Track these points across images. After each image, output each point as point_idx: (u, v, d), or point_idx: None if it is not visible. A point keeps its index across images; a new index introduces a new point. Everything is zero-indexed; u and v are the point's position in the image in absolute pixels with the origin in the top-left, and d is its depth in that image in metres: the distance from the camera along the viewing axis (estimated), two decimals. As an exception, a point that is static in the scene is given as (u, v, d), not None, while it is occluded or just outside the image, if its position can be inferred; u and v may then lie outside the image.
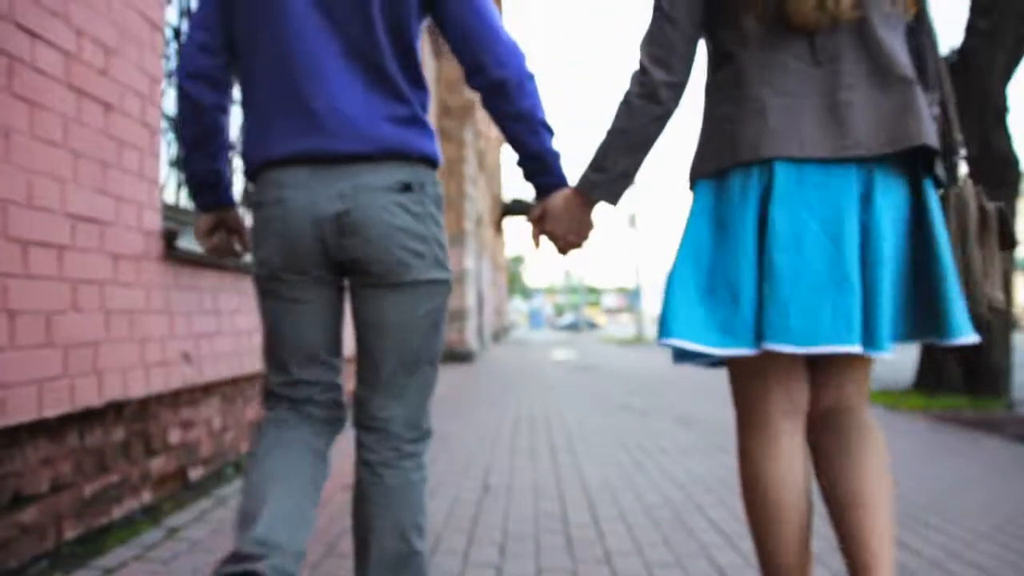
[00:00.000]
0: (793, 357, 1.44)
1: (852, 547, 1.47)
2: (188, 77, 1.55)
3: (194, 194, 1.70)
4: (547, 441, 4.64)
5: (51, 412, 2.27)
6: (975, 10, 6.82)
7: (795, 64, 1.38)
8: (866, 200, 1.35)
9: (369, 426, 1.56)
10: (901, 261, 1.40)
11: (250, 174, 1.56)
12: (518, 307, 74.87)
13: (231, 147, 1.70)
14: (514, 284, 75.28)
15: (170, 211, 3.20)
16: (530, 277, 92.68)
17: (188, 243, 3.06)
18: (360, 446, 1.56)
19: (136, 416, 2.80)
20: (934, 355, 6.94)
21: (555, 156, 1.58)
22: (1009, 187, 6.77)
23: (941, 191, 1.49)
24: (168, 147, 3.29)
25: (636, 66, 1.47)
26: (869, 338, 1.33)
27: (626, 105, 1.47)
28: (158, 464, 2.96)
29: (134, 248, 2.75)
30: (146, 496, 2.86)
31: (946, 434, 4.99)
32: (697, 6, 1.44)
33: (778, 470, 1.45)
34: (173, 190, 3.36)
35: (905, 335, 1.44)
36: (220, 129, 1.63)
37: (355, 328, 1.57)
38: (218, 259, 1.85)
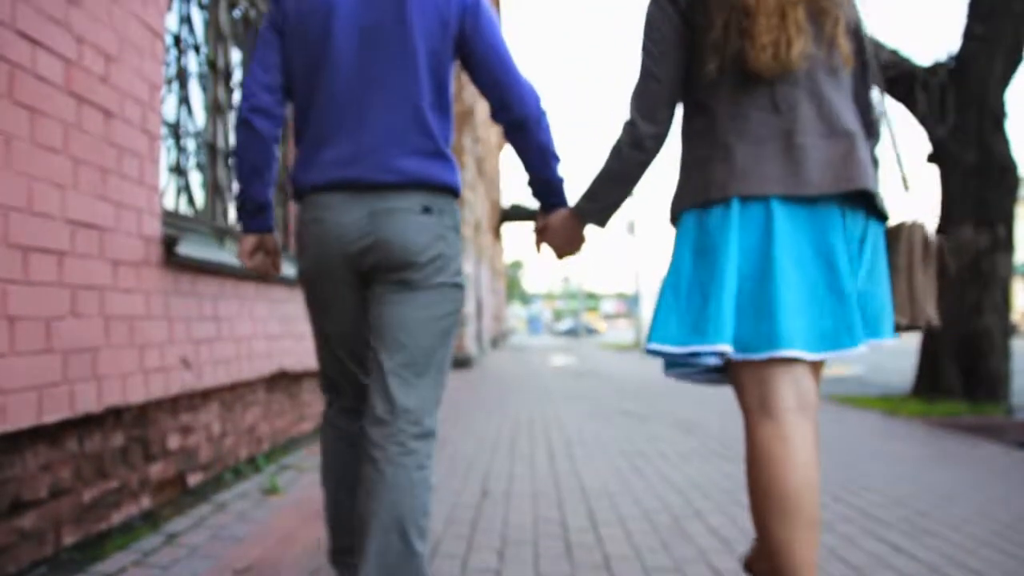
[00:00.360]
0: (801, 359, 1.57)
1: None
2: (251, 111, 1.77)
3: (246, 218, 1.90)
4: (546, 447, 4.64)
5: (51, 418, 2.27)
6: (973, 16, 6.84)
7: (757, 114, 1.59)
8: (839, 230, 1.57)
9: (376, 420, 1.68)
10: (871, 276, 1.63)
11: (298, 196, 1.81)
12: (517, 313, 74.85)
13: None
14: (513, 290, 75.27)
15: (170, 217, 3.21)
16: (529, 283, 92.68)
17: (187, 249, 3.06)
18: (367, 442, 1.69)
19: (135, 422, 2.81)
20: (933, 361, 6.95)
21: (561, 181, 1.90)
22: (1008, 193, 6.78)
23: (892, 224, 1.76)
24: (168, 153, 3.30)
25: (627, 117, 1.69)
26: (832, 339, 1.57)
27: (617, 151, 1.71)
28: (157, 470, 2.96)
29: (134, 254, 2.76)
30: (145, 502, 2.86)
31: (945, 440, 4.99)
32: (677, 66, 1.66)
33: (784, 458, 1.52)
34: (173, 196, 3.37)
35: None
36: (274, 159, 1.86)
37: (372, 330, 1.75)
38: (258, 276, 2.12)
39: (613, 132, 1.74)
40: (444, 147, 1.77)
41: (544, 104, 1.84)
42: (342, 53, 1.70)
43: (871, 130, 1.73)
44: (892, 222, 1.77)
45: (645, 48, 1.68)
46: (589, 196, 1.79)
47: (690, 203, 1.64)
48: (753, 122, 1.59)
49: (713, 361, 1.56)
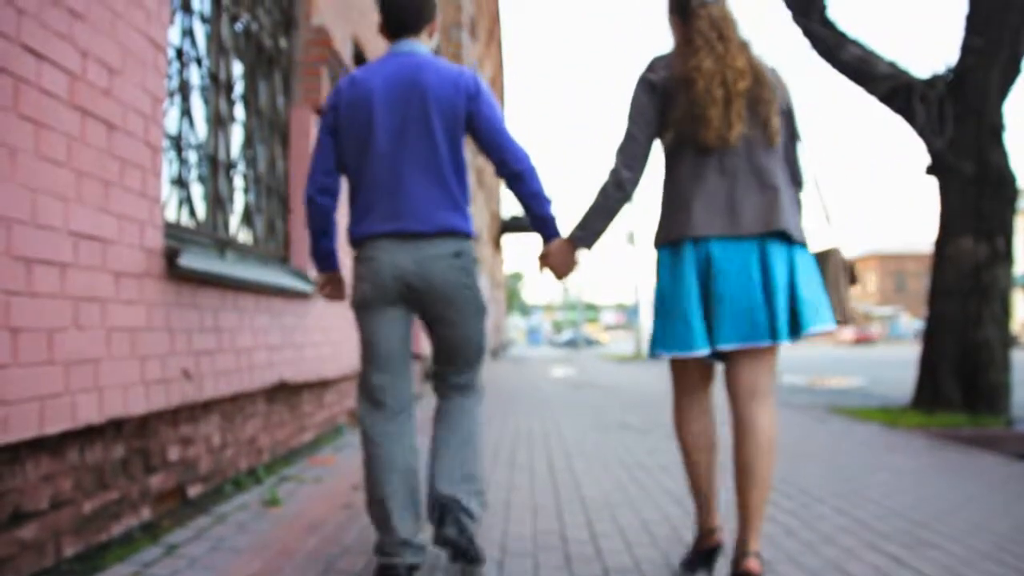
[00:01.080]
0: (701, 357, 2.29)
1: (739, 500, 2.20)
2: (316, 191, 2.42)
3: (318, 262, 2.60)
4: (545, 458, 4.64)
5: (52, 429, 2.28)
6: (970, 29, 6.88)
7: (711, 175, 2.21)
8: (764, 257, 2.17)
9: (451, 385, 2.52)
10: (787, 289, 2.19)
11: (355, 244, 2.39)
12: (516, 324, 74.79)
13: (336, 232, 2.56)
14: (512, 301, 75.24)
15: (172, 229, 3.22)
16: (529, 294, 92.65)
17: (189, 261, 3.08)
18: (449, 398, 2.52)
19: (136, 433, 2.81)
20: (933, 373, 6.95)
21: (554, 218, 2.42)
22: (1006, 204, 6.79)
23: (820, 249, 2.39)
24: (170, 166, 3.32)
25: (612, 166, 2.28)
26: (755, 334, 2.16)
27: (604, 191, 2.29)
28: (157, 481, 2.97)
29: (136, 266, 2.77)
30: (145, 513, 2.86)
31: (945, 451, 4.99)
32: (651, 131, 2.28)
33: (692, 418, 2.40)
34: (174, 208, 3.38)
35: (795, 333, 2.20)
36: (335, 222, 2.50)
37: (431, 338, 2.47)
38: (328, 299, 2.72)
39: (603, 158, 2.38)
40: (463, 203, 2.36)
41: (532, 160, 2.38)
42: (381, 138, 2.30)
43: (796, 179, 2.36)
44: (820, 248, 2.39)
45: (629, 116, 2.29)
46: (581, 227, 2.33)
47: (664, 240, 2.29)
48: (706, 182, 2.21)
49: (699, 353, 2.20)
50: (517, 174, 2.36)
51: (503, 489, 3.72)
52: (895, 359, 22.17)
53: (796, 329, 2.17)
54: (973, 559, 2.61)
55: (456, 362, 2.48)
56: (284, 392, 4.44)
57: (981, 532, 2.97)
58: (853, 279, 2.45)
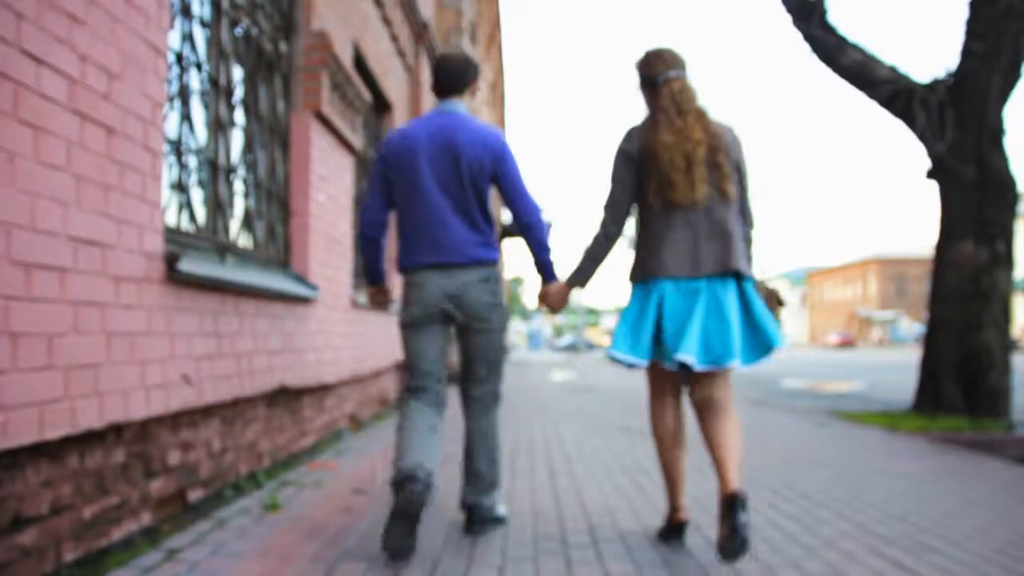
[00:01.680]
0: (671, 371, 2.81)
1: (717, 463, 2.58)
2: (367, 225, 3.03)
3: (369, 278, 3.21)
4: (546, 463, 4.64)
5: (52, 434, 2.28)
6: (970, 34, 6.88)
7: (679, 228, 2.70)
8: (713, 291, 2.67)
9: (472, 397, 3.06)
10: (741, 317, 2.69)
11: (404, 271, 2.98)
12: (517, 328, 74.75)
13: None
14: (513, 305, 75.20)
15: (171, 234, 3.22)
16: (529, 298, 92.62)
17: (189, 266, 3.08)
18: (472, 402, 3.05)
19: (136, 438, 2.81)
20: (934, 377, 6.94)
21: (552, 264, 3.05)
22: (1007, 208, 6.78)
23: (757, 280, 2.85)
24: (169, 170, 3.32)
25: (601, 219, 2.85)
26: (718, 358, 2.62)
27: (596, 241, 2.87)
28: (157, 486, 2.96)
29: (135, 270, 2.77)
30: (145, 518, 2.86)
31: (946, 455, 4.98)
32: (631, 192, 2.81)
33: (663, 419, 2.92)
34: (174, 213, 3.38)
35: (749, 359, 2.70)
36: (383, 249, 3.11)
37: (464, 351, 3.02)
38: (377, 307, 3.33)
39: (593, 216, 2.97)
40: (490, 238, 2.94)
41: (542, 215, 3.00)
42: (425, 186, 2.87)
43: (748, 222, 2.85)
44: (758, 278, 2.86)
45: (612, 180, 2.83)
46: (577, 271, 2.93)
47: (639, 279, 2.81)
48: (674, 233, 2.70)
49: (641, 364, 2.73)
50: (527, 225, 2.99)
51: (503, 494, 3.71)
52: (894, 363, 22.15)
53: (765, 348, 2.69)
54: (974, 563, 2.60)
55: (481, 364, 3.01)
56: (284, 397, 4.44)
57: (982, 536, 2.96)
58: (780, 302, 2.94)
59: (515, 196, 2.96)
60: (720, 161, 2.68)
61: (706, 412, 2.71)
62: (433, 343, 2.94)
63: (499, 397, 3.08)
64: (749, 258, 2.82)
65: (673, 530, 2.88)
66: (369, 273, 3.17)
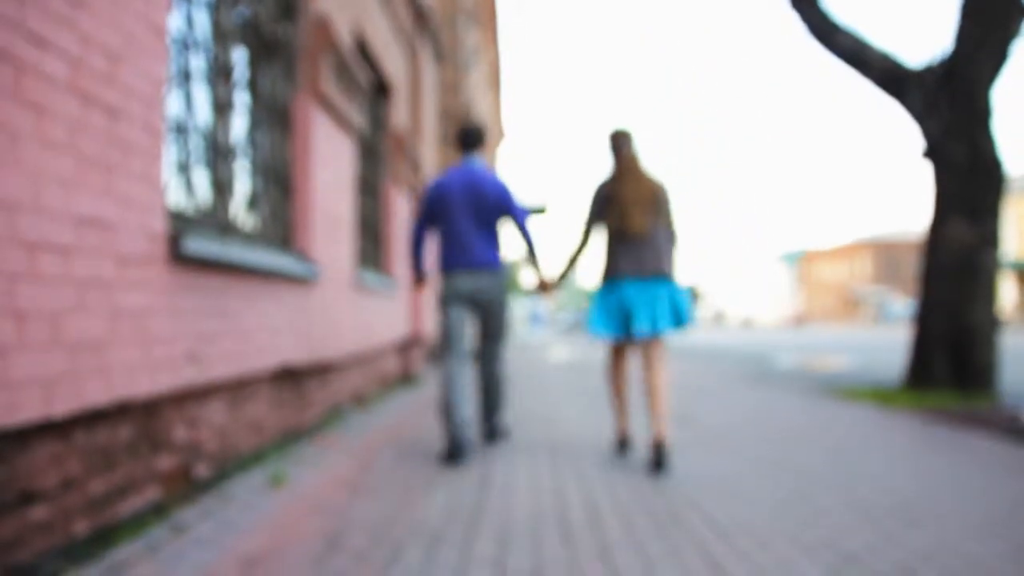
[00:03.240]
0: (627, 338, 4.11)
1: (652, 413, 3.87)
2: (415, 239, 4.48)
3: (416, 274, 4.60)
4: (546, 438, 4.69)
5: (59, 411, 2.32)
6: (964, 17, 6.88)
7: (630, 246, 4.02)
8: (651, 287, 3.98)
9: (486, 352, 4.51)
10: (668, 303, 3.98)
11: (443, 271, 4.32)
12: (518, 309, 74.50)
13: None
14: (512, 286, 75.01)
15: (174, 214, 3.25)
16: (526, 280, 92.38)
17: (192, 245, 3.10)
18: (484, 360, 4.50)
19: (142, 415, 2.85)
20: (924, 354, 7.01)
21: (535, 247, 4.45)
22: (994, 189, 6.83)
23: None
24: (172, 151, 3.33)
25: (579, 236, 4.24)
26: (656, 330, 3.96)
27: (575, 252, 4.29)
28: (164, 462, 3.01)
29: (139, 250, 2.80)
30: (153, 493, 2.91)
31: (936, 430, 5.05)
32: (600, 221, 4.13)
33: (619, 370, 4.33)
34: (177, 194, 3.40)
35: (672, 328, 3.99)
36: (424, 253, 4.49)
37: (480, 323, 4.42)
38: (419, 292, 4.69)
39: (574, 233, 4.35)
40: (497, 250, 4.35)
41: (529, 225, 4.40)
42: (455, 214, 4.27)
43: (673, 240, 4.11)
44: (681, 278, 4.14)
45: (590, 210, 4.17)
46: (561, 273, 4.40)
47: (605, 279, 4.11)
48: (627, 248, 4.02)
49: (615, 337, 4.11)
50: (522, 230, 4.41)
51: (505, 471, 3.76)
52: (886, 342, 22.26)
53: (680, 323, 3.99)
54: (963, 534, 2.67)
55: (492, 330, 4.45)
56: (288, 374, 4.48)
57: (973, 508, 3.03)
58: (696, 295, 4.83)
59: (515, 219, 4.39)
60: (657, 204, 4.05)
61: (650, 363, 3.99)
62: (461, 318, 4.26)
63: (503, 353, 4.55)
64: (672, 264, 4.08)
65: (622, 444, 4.29)
66: (416, 271, 4.60)
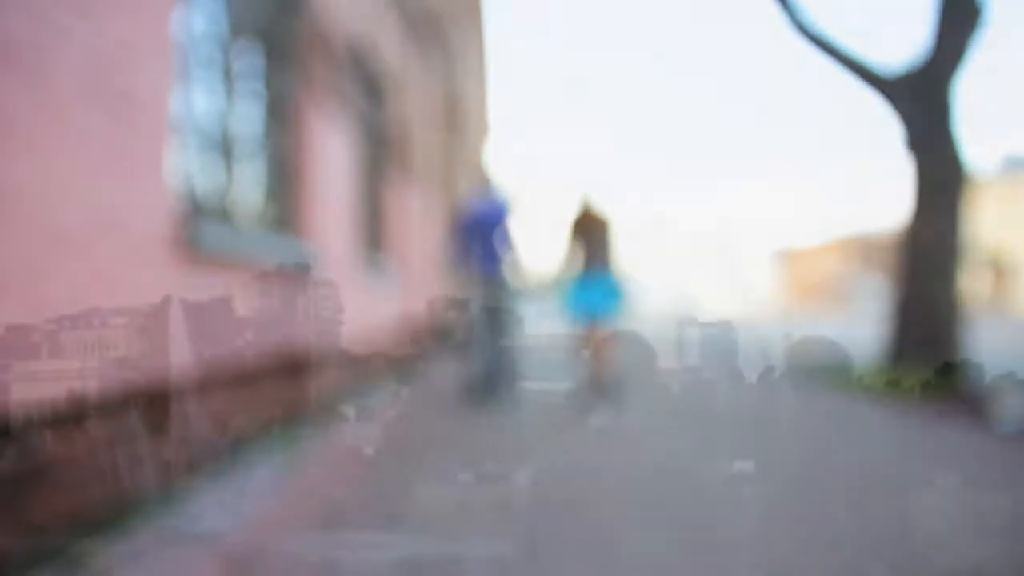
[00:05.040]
0: (592, 324, 5.75)
1: (598, 376, 5.58)
2: (456, 256, 6.10)
3: (463, 276, 6.11)
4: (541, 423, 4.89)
5: (71, 397, 2.38)
6: (939, 18, 7.09)
7: (594, 256, 5.78)
8: (602, 282, 5.79)
9: (497, 336, 5.94)
10: (615, 295, 5.83)
11: (470, 277, 6.02)
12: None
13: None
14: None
15: (185, 206, 3.31)
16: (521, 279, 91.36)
17: (201, 235, 3.18)
18: (495, 342, 5.92)
19: (153, 403, 2.90)
20: (897, 337, 7.25)
21: (508, 253, 6.07)
22: (954, 188, 7.09)
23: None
24: (180, 142, 3.37)
25: (565, 250, 5.86)
26: (607, 316, 5.82)
27: (564, 263, 5.89)
28: (176, 450, 3.06)
29: (149, 239, 2.86)
30: (164, 481, 2.94)
31: (908, 419, 5.19)
32: (579, 243, 5.80)
33: (590, 346, 5.80)
34: (186, 183, 3.45)
35: (614, 313, 5.82)
36: (465, 261, 6.07)
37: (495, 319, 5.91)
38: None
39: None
40: (502, 263, 5.84)
41: (512, 243, 5.90)
42: (474, 235, 5.87)
43: (612, 252, 5.77)
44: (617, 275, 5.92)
45: (570, 235, 5.78)
46: (561, 268, 5.89)
47: (576, 275, 5.74)
48: (591, 258, 5.71)
49: (587, 321, 5.69)
50: (503, 245, 5.82)
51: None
52: (861, 330, 22.30)
53: (620, 310, 5.62)
54: (930, 504, 2.80)
55: (502, 321, 5.78)
56: (293, 359, 4.59)
57: (941, 485, 3.06)
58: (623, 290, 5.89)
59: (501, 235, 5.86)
60: (609, 234, 5.74)
61: (601, 342, 5.55)
62: (483, 312, 5.76)
63: (512, 338, 5.93)
64: (609, 265, 5.66)
65: (590, 403, 5.44)
66: (456, 268, 6.06)
